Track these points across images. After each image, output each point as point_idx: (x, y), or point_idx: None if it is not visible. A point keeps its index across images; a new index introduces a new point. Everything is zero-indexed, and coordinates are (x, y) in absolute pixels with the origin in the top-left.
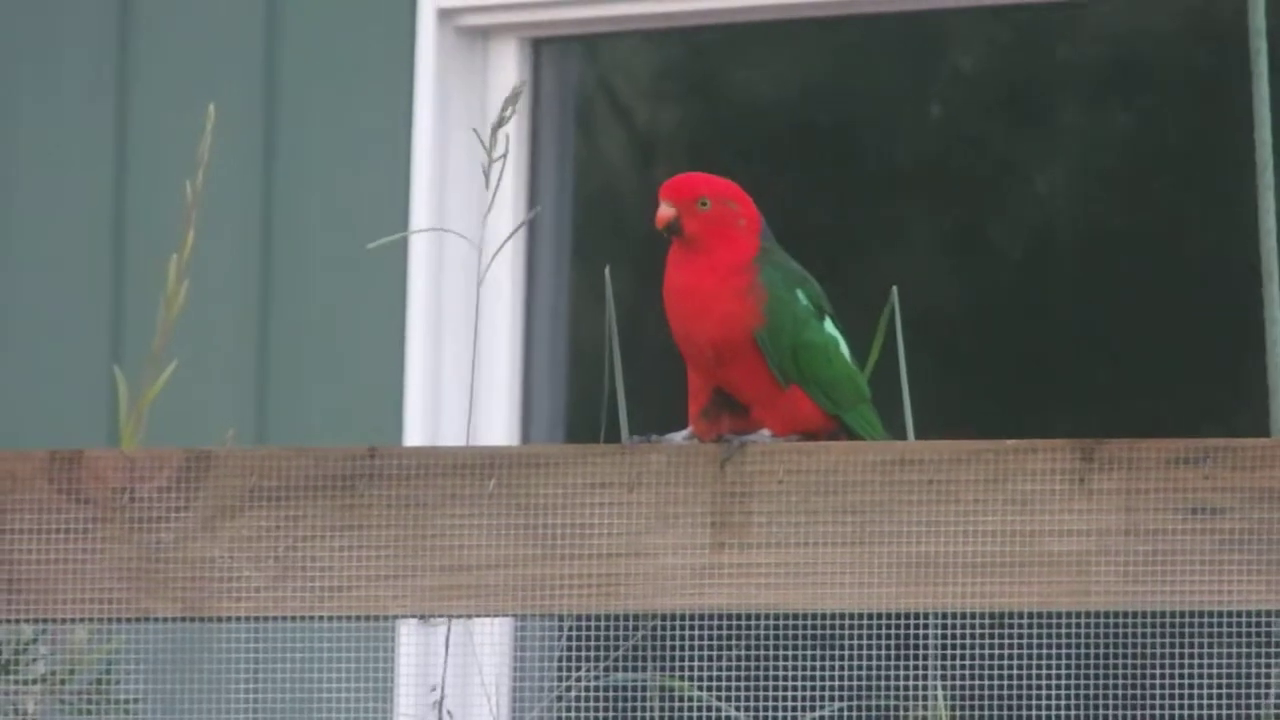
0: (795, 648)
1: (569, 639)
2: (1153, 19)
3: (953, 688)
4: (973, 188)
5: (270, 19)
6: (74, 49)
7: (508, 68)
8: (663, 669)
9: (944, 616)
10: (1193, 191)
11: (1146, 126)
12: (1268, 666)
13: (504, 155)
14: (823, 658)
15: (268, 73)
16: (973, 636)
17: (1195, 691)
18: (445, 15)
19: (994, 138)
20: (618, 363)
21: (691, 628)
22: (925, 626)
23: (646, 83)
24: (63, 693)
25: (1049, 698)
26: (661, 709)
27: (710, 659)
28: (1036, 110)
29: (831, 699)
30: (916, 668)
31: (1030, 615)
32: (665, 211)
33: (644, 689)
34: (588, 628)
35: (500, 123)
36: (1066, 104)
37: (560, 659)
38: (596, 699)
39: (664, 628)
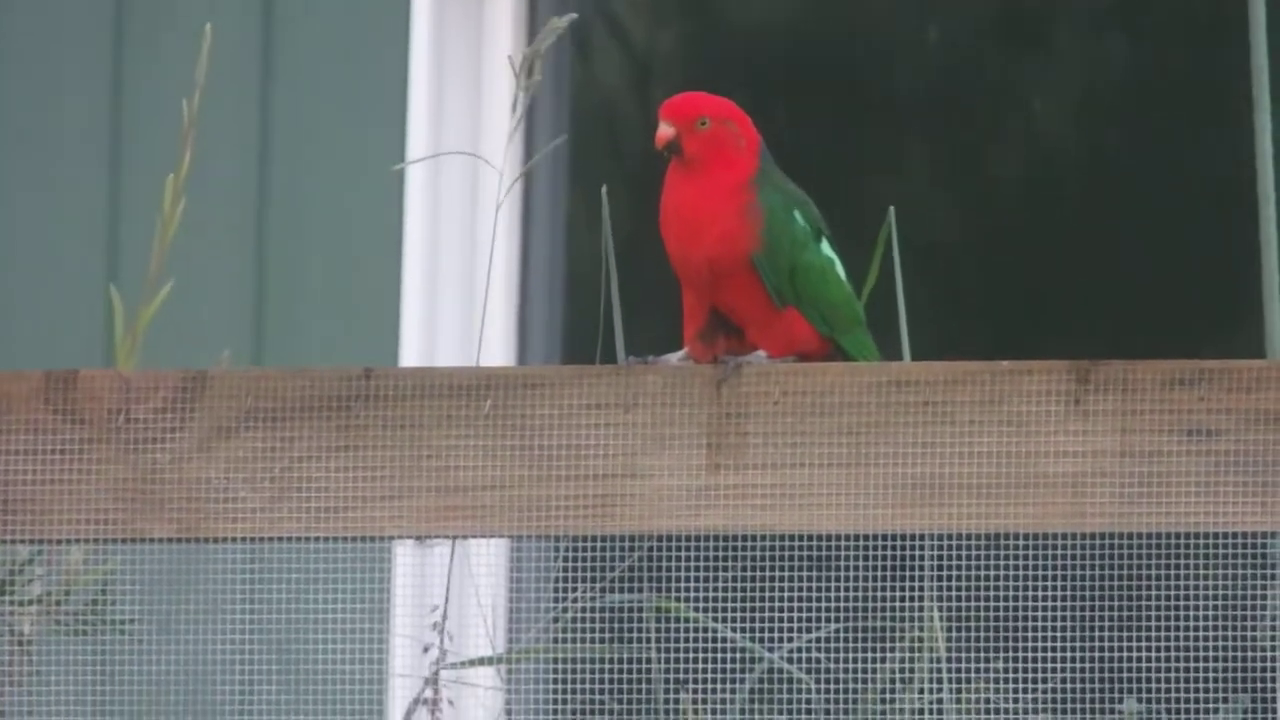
0: (791, 569)
1: (565, 560)
2: None
3: (948, 609)
4: (971, 112)
5: None
6: None
7: None
8: (658, 590)
9: (939, 537)
10: (1191, 115)
11: (1144, 50)
12: (1263, 588)
13: (537, 82)
14: (818, 579)
15: None
16: (968, 557)
17: (1190, 613)
18: None
19: (992, 62)
20: (614, 284)
21: (687, 549)
22: (921, 547)
23: (645, 3)
24: (58, 613)
25: (1044, 619)
26: (657, 630)
27: (706, 580)
28: (1035, 34)
29: (827, 620)
30: (912, 589)
31: (1026, 536)
32: (665, 131)
33: (640, 610)
34: (584, 549)
35: (535, 53)
36: (1065, 28)
37: (556, 580)
38: (592, 620)
39: (660, 549)
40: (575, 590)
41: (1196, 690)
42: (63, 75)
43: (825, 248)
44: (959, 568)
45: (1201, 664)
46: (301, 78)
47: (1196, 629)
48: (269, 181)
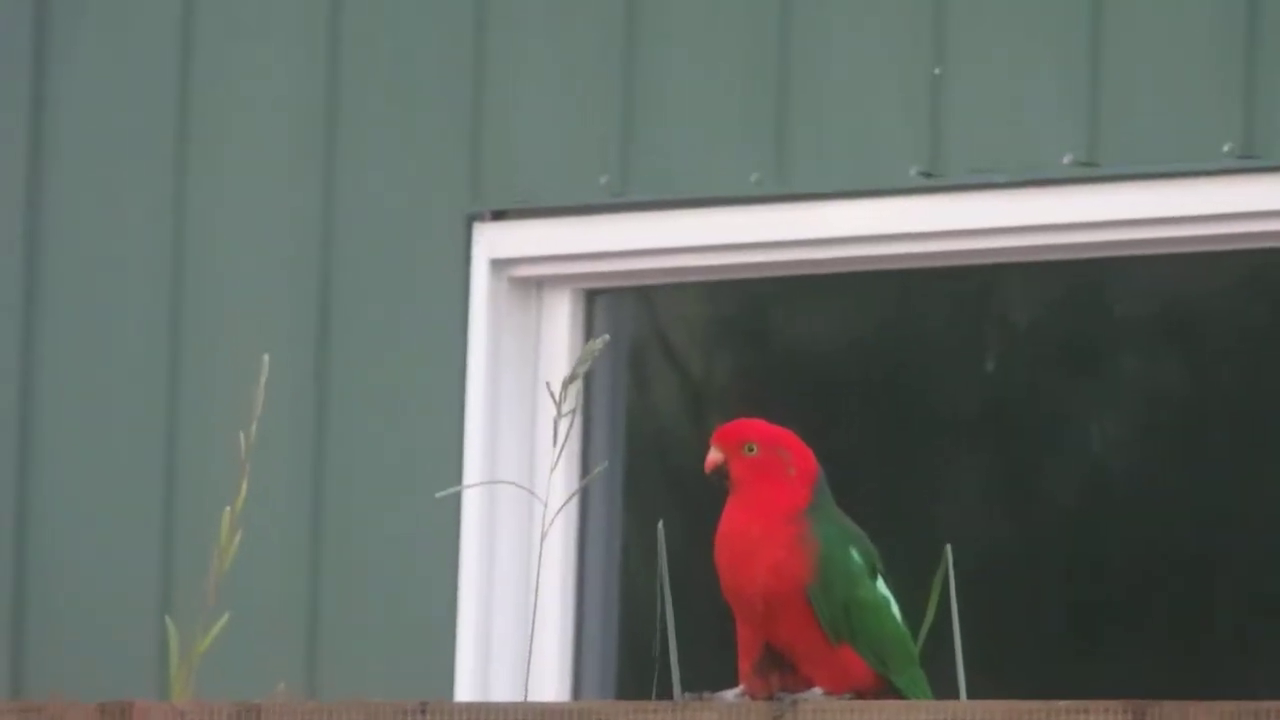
0: None
1: None
2: (1206, 276)
3: None
4: (1025, 439)
5: (323, 267)
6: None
7: (561, 317)
8: None
9: None
10: (1243, 445)
11: (1198, 380)
12: None
13: (573, 410)
14: None
15: (320, 322)
16: None
17: None
18: (499, 266)
19: (1046, 389)
20: (670, 618)
21: None
22: None
23: (700, 331)
24: None
25: None
26: None
27: None
28: (1088, 362)
29: None
30: None
31: None
32: (713, 456)
33: None
34: None
35: (573, 377)
36: (1118, 357)
37: None
38: None
39: None
40: None
41: None
42: (118, 386)
43: (880, 585)
44: None
45: None
46: (356, 406)
47: None
48: (323, 511)
